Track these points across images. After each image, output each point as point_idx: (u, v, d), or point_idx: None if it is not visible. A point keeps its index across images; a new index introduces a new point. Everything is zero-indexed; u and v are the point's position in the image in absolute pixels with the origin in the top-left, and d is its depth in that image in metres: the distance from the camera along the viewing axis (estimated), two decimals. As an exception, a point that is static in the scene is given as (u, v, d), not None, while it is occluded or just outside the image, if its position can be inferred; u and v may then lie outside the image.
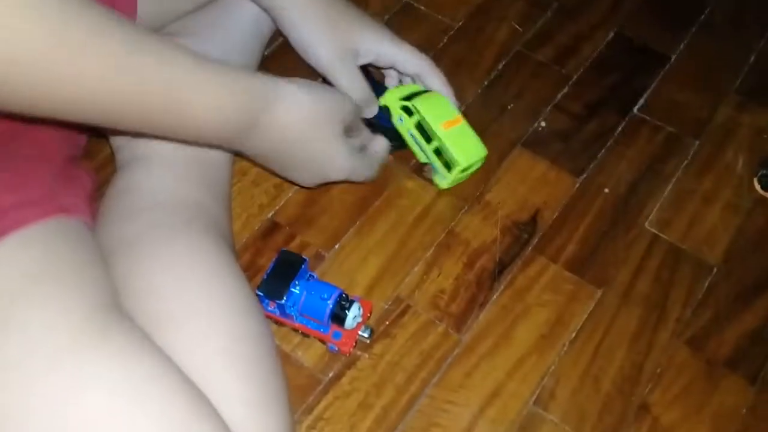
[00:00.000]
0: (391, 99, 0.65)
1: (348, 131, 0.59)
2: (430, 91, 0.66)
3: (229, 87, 0.48)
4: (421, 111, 0.64)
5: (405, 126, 0.65)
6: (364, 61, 0.64)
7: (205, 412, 0.42)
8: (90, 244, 0.47)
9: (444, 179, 0.66)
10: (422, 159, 0.67)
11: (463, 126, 0.65)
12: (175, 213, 0.53)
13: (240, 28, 0.66)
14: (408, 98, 0.64)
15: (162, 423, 0.40)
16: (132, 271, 0.49)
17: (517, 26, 0.80)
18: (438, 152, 0.65)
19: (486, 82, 0.76)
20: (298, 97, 0.53)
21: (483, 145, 0.66)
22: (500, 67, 0.77)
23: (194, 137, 0.49)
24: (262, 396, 0.46)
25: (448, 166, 0.65)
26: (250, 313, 0.50)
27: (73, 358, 0.40)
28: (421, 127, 0.64)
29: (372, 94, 0.64)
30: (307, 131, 0.55)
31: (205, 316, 0.48)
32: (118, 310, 0.45)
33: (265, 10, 0.63)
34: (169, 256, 0.50)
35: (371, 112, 0.64)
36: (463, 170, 0.65)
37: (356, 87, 0.62)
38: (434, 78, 0.65)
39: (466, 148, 0.65)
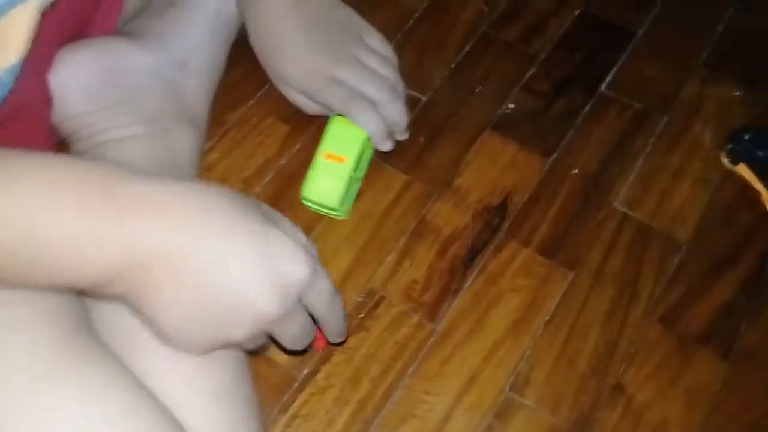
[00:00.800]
0: None
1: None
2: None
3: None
4: (328, 129, 0.63)
5: None
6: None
7: None
8: None
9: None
10: None
11: (341, 168, 0.62)
12: None
13: (199, 25, 0.65)
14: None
15: None
16: None
17: (484, 5, 0.80)
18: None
19: (453, 65, 0.75)
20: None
21: (338, 199, 0.62)
22: (467, 48, 0.76)
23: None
24: (236, 421, 0.46)
25: None
26: None
27: (48, 387, 0.39)
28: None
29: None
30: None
31: None
32: (90, 332, 0.43)
33: None
34: None
35: None
36: (309, 201, 0.63)
37: (299, 103, 0.67)
38: (362, 126, 0.63)
39: (320, 187, 0.62)
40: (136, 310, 0.41)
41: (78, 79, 0.57)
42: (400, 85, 0.67)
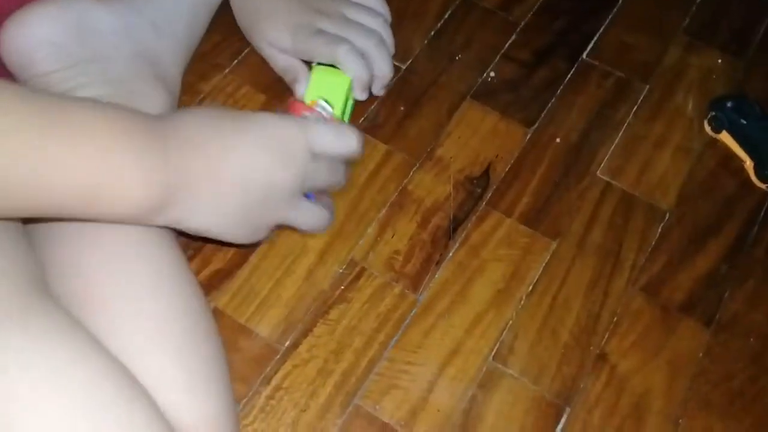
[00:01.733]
0: None
1: None
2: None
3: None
4: (311, 78, 0.61)
5: None
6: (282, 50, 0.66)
7: (135, 394, 0.41)
8: (11, 223, 0.45)
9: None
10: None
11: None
12: None
13: None
14: (325, 63, 0.63)
15: (88, 407, 0.39)
16: (55, 247, 0.47)
17: (463, -28, 0.78)
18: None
19: (432, 32, 0.74)
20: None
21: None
22: (446, 15, 0.75)
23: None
24: (199, 379, 0.45)
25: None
26: (184, 288, 0.48)
27: None
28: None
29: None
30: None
31: (134, 292, 0.46)
32: (42, 290, 0.42)
33: None
34: (94, 230, 0.47)
35: None
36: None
37: (281, 66, 0.67)
38: (346, 69, 0.62)
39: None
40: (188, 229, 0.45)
41: (42, 36, 0.55)
42: (388, 38, 0.66)
